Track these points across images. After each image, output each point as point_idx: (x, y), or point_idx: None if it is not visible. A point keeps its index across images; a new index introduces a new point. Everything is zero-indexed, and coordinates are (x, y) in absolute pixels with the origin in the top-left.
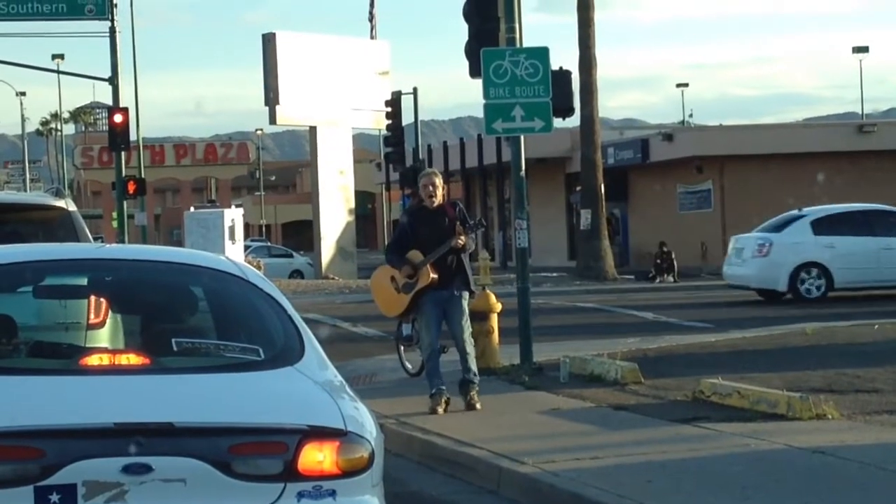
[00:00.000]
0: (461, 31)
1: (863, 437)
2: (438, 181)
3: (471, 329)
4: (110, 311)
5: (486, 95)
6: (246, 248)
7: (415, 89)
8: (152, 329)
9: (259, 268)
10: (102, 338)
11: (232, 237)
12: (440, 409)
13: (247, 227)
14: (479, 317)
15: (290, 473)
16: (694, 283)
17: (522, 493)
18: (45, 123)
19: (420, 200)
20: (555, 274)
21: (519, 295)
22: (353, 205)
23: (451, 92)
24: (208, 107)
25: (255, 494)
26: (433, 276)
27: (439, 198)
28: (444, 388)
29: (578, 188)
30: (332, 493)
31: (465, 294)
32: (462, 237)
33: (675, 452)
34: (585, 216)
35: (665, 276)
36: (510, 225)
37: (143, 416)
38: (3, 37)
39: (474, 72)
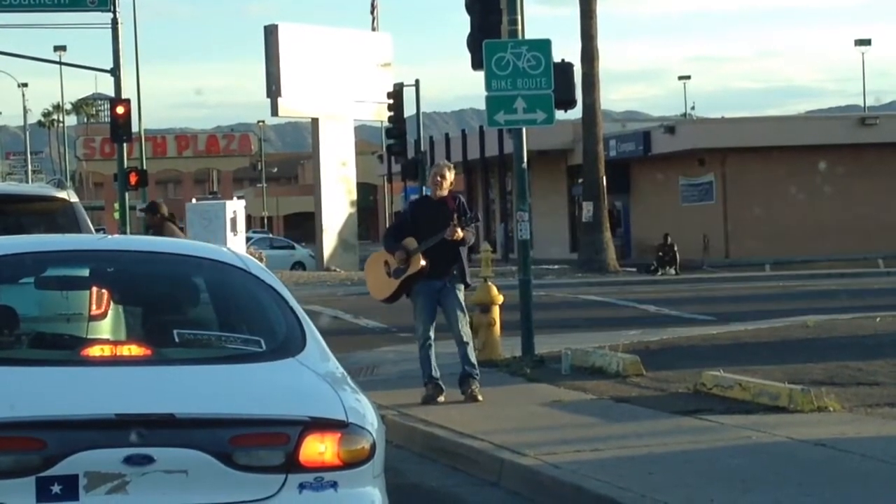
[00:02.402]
0: (463, 23)
1: (864, 429)
2: (449, 175)
3: (468, 319)
4: (112, 302)
5: (488, 87)
6: (248, 239)
7: (417, 81)
8: (154, 320)
9: (261, 259)
10: (104, 329)
11: (234, 229)
12: (429, 398)
13: (249, 218)
14: (481, 309)
15: (292, 465)
16: (696, 275)
17: (524, 485)
18: (47, 115)
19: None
20: (556, 266)
21: (520, 287)
22: (354, 197)
23: (453, 84)
24: (210, 98)
25: (256, 486)
26: (423, 263)
27: (445, 190)
28: (436, 377)
29: (580, 180)
30: (334, 485)
31: (461, 286)
32: (457, 229)
33: (676, 444)
34: (587, 208)
35: (667, 268)
36: (512, 217)
37: (145, 408)
38: (4, 28)
39: (476, 64)
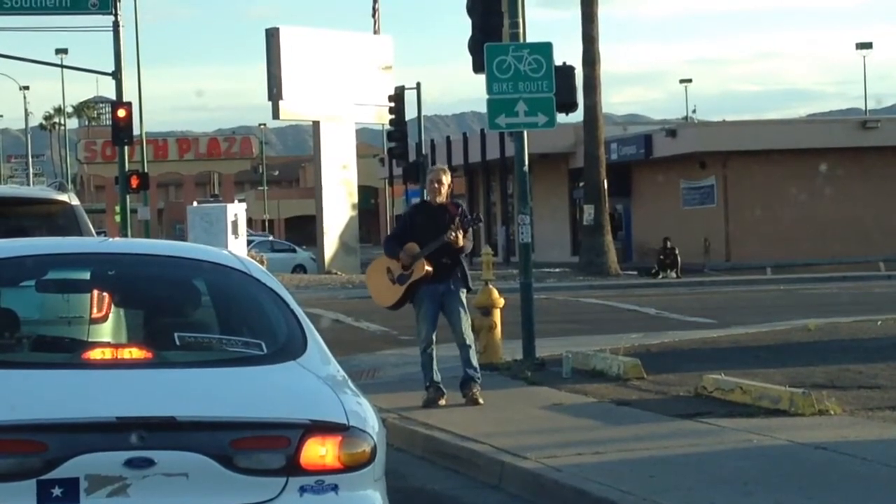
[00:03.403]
0: (465, 26)
1: (865, 432)
2: (445, 179)
3: (470, 322)
4: (113, 306)
5: (489, 91)
6: (249, 242)
7: (418, 84)
8: (155, 323)
9: (262, 262)
10: (105, 332)
11: (235, 232)
12: (430, 402)
13: (250, 221)
14: (482, 312)
15: (293, 468)
16: (697, 278)
17: (525, 488)
18: (48, 118)
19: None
20: (558, 269)
21: (522, 290)
22: (356, 199)
23: (455, 87)
24: (211, 101)
25: (257, 489)
26: (428, 268)
27: (443, 195)
28: (437, 381)
29: (581, 183)
30: (335, 488)
31: (463, 290)
32: (460, 232)
33: (677, 448)
34: (588, 211)
35: (668, 271)
36: (513, 220)
37: (146, 411)
38: (6, 31)
39: (478, 67)
